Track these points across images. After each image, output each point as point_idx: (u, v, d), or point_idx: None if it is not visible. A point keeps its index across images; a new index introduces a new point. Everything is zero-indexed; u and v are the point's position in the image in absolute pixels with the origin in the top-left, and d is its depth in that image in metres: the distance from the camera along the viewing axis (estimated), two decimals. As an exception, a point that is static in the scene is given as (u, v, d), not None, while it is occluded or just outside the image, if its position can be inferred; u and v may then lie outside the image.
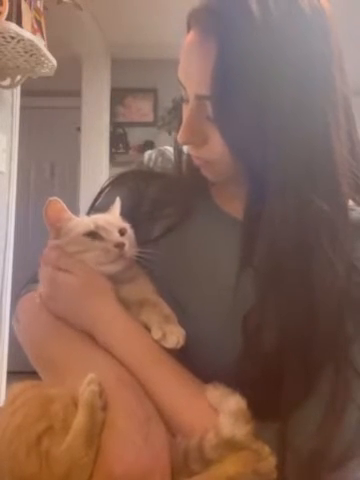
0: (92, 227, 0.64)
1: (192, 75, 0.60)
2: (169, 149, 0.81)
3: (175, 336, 0.60)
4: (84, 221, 0.66)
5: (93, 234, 0.64)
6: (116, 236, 0.64)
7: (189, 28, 0.61)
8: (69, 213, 0.66)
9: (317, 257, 0.56)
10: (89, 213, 0.77)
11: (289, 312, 0.57)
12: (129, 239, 0.66)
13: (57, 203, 0.65)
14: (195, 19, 0.60)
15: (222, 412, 0.54)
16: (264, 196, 0.59)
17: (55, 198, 0.64)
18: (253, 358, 0.58)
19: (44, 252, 0.66)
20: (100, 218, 0.67)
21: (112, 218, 0.68)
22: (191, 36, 0.60)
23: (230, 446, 0.51)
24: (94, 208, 0.77)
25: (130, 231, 0.68)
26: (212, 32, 0.56)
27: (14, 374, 1.27)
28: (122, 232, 0.66)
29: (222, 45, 0.55)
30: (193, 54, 0.59)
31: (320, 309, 0.56)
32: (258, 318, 0.59)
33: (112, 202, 0.72)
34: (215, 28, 0.56)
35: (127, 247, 0.64)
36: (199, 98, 0.60)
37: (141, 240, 0.68)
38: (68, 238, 0.64)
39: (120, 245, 0.63)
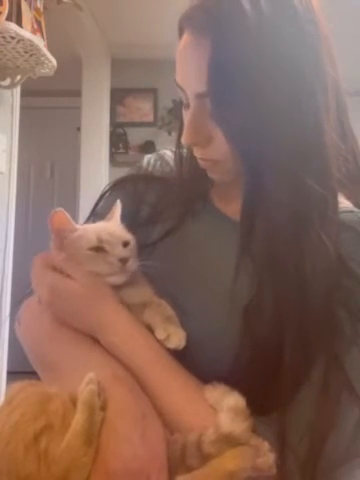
0: (96, 241, 0.64)
1: (190, 75, 0.61)
2: (168, 153, 0.81)
3: (177, 337, 0.61)
4: (88, 234, 0.65)
5: (97, 248, 0.64)
6: (120, 250, 0.64)
7: (181, 31, 0.62)
8: (73, 224, 0.66)
9: (309, 236, 0.58)
10: (89, 218, 0.77)
11: (284, 295, 0.58)
12: (132, 251, 0.66)
13: (62, 214, 0.64)
14: (188, 21, 0.61)
15: (221, 409, 0.54)
16: (260, 187, 0.60)
17: (60, 209, 0.64)
18: (252, 348, 0.59)
19: (40, 256, 0.66)
20: (104, 229, 0.66)
21: (116, 229, 0.68)
22: (185, 38, 0.61)
23: (229, 441, 0.52)
24: (94, 213, 0.77)
25: (133, 242, 0.67)
26: (206, 30, 0.58)
27: (14, 374, 1.27)
28: (125, 244, 0.66)
29: (216, 41, 0.57)
30: (189, 55, 0.60)
31: (311, 290, 0.57)
32: (256, 304, 0.60)
33: (113, 207, 0.72)
34: (208, 26, 0.57)
35: (130, 262, 0.64)
36: (199, 96, 0.60)
37: (141, 244, 0.69)
38: (72, 251, 0.64)
39: (124, 260, 0.63)
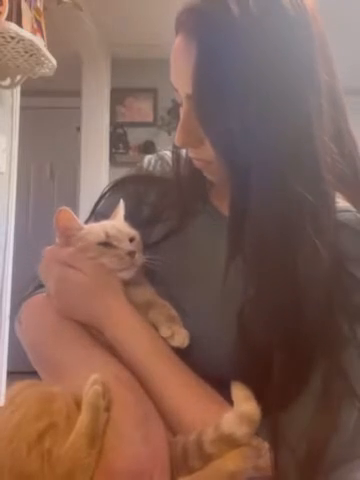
0: (103, 237, 0.65)
1: (181, 76, 0.60)
2: (168, 153, 0.81)
3: (181, 336, 0.62)
4: (95, 230, 0.66)
5: (105, 243, 0.65)
6: (127, 244, 0.66)
7: (177, 32, 0.62)
8: (79, 222, 0.67)
9: (301, 242, 0.57)
10: (90, 218, 0.77)
11: (278, 300, 0.57)
12: (138, 246, 0.67)
13: (67, 212, 0.66)
14: (180, 22, 0.61)
15: (233, 410, 0.54)
16: (248, 189, 0.59)
17: (65, 208, 0.65)
18: (247, 351, 0.58)
19: (49, 250, 0.67)
20: (110, 226, 0.67)
21: (121, 226, 0.69)
22: (178, 40, 0.61)
23: (229, 442, 0.52)
24: (95, 213, 0.78)
25: (138, 238, 0.69)
26: (194, 33, 0.57)
27: (14, 374, 1.27)
28: (131, 240, 0.67)
29: (201, 44, 0.56)
30: (180, 56, 0.60)
31: (306, 296, 0.56)
32: (250, 308, 0.59)
33: (113, 207, 0.73)
34: (196, 29, 0.57)
35: (137, 255, 0.65)
36: (189, 98, 0.60)
37: (142, 244, 0.69)
38: (81, 245, 0.65)
39: (132, 254, 0.64)
